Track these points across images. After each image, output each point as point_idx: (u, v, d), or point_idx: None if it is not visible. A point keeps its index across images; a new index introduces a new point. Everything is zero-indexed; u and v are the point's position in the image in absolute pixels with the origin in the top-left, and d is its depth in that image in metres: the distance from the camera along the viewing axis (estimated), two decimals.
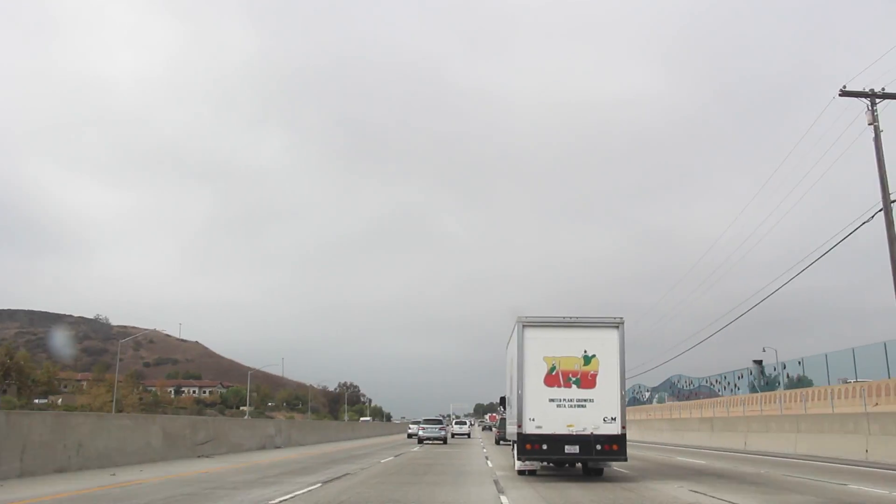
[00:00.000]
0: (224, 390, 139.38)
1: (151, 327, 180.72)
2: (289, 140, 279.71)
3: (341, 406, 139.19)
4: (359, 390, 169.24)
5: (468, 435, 58.33)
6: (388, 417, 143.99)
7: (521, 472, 15.73)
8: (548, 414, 14.39)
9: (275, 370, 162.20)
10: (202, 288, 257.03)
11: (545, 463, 15.73)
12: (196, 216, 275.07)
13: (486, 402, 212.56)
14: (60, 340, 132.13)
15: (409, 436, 46.25)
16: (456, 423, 63.08)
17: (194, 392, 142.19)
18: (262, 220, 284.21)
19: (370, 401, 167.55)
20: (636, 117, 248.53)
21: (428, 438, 38.78)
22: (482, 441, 46.14)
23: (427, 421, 42.20)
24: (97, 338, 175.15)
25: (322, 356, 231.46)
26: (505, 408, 22.57)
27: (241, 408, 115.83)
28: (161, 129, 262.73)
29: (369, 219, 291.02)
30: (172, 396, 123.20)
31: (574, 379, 14.61)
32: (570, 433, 14.24)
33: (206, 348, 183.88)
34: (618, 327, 15.02)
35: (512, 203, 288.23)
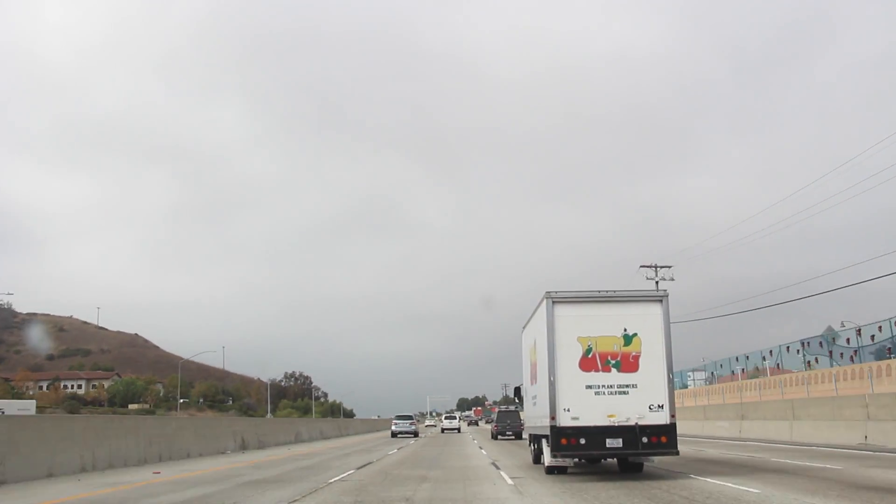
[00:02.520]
0: (112, 383, 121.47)
1: (68, 314, 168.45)
2: (248, 112, 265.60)
3: (280, 402, 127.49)
4: (310, 382, 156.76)
5: (458, 430, 63.03)
6: (350, 414, 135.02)
7: (550, 471, 15.09)
8: (585, 403, 13.66)
9: (215, 362, 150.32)
10: (162, 282, 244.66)
11: (578, 460, 15.15)
12: (153, 202, 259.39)
13: (470, 397, 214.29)
14: None
15: (394, 434, 49.17)
16: (446, 419, 69.14)
17: (73, 387, 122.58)
18: (224, 206, 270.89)
19: (325, 395, 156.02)
20: (631, 81, 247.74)
21: (400, 432, 47.48)
22: (474, 438, 45.90)
23: (399, 417, 51.57)
24: None
25: (287, 353, 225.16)
26: (520, 400, 21.90)
27: (132, 405, 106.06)
28: (103, 103, 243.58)
29: (339, 202, 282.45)
30: (33, 392, 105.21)
31: (613, 362, 13.89)
32: (612, 424, 13.53)
33: (140, 338, 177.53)
34: (661, 301, 14.25)
35: (492, 182, 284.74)
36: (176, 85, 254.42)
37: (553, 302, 14.13)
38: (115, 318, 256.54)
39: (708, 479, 13.24)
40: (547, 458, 14.78)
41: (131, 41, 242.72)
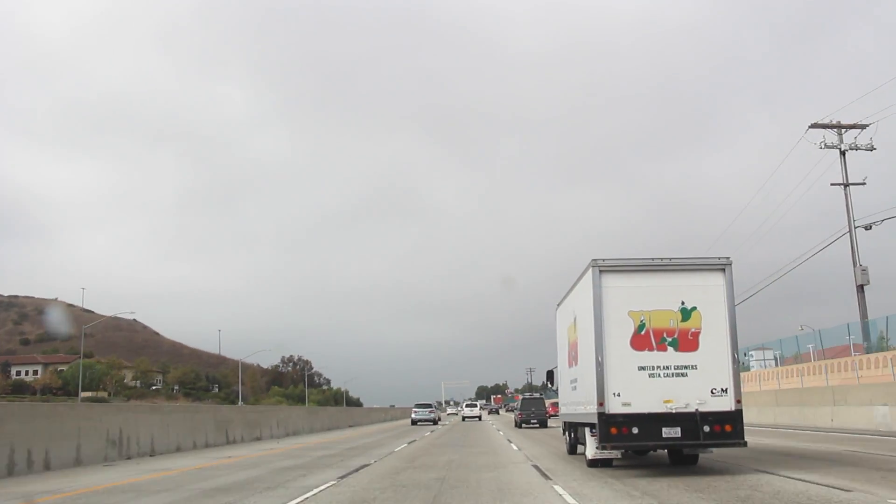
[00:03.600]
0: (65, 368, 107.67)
1: (53, 297, 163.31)
2: (255, 89, 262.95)
3: (271, 389, 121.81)
4: (310, 367, 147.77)
5: (479, 418, 63.49)
6: (356, 403, 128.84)
7: (593, 464, 13.84)
8: (638, 386, 12.33)
9: (211, 348, 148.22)
10: (169, 269, 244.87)
11: (625, 452, 13.91)
12: (160, 186, 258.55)
13: (490, 384, 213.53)
14: None
15: (413, 422, 51.26)
16: (466, 406, 68.99)
17: (28, 373, 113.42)
18: (233, 191, 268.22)
19: (327, 382, 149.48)
20: (658, 55, 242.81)
21: (420, 420, 50.67)
22: (495, 425, 44.97)
23: (418, 405, 54.92)
24: None
25: (299, 342, 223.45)
26: (552, 384, 20.65)
27: (85, 393, 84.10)
28: (103, 81, 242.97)
29: (352, 185, 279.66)
30: None
31: (670, 339, 12.52)
32: (669, 411, 12.16)
33: (138, 325, 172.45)
34: (724, 270, 12.79)
35: (510, 162, 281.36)
36: (179, 61, 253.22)
37: (600, 271, 12.75)
38: (122, 305, 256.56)
39: (781, 475, 11.90)
40: (590, 450, 13.51)
41: (129, 14, 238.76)
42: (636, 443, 12.26)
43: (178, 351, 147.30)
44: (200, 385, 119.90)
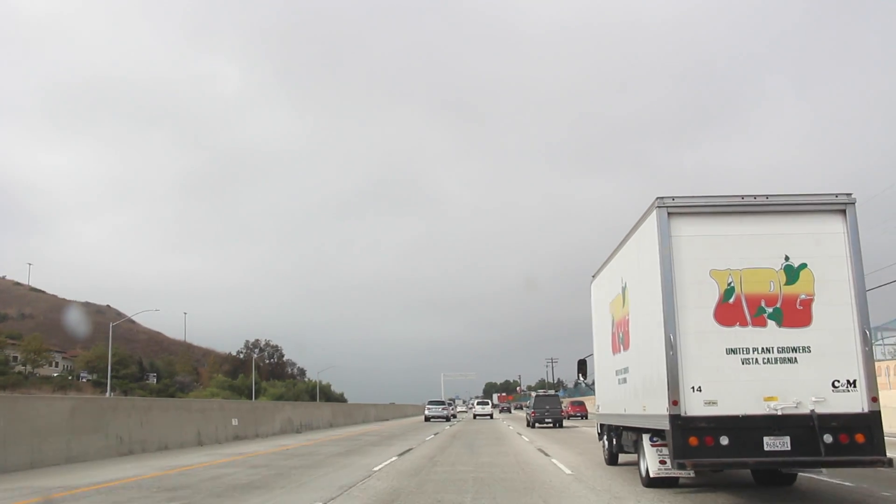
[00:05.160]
0: None
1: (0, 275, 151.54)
2: (247, 64, 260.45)
3: (212, 379, 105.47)
4: (280, 354, 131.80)
5: (490, 416, 63.80)
6: (337, 399, 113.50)
7: (652, 484, 10.52)
8: (727, 377, 9.00)
9: (176, 334, 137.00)
10: (161, 260, 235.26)
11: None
12: (154, 171, 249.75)
13: (499, 381, 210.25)
14: None
15: (427, 419, 52.92)
16: (478, 404, 69.36)
17: None
18: (228, 177, 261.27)
19: (301, 373, 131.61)
20: (679, 35, 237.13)
21: (433, 417, 52.37)
22: (510, 424, 42.41)
23: (432, 402, 57.20)
24: None
25: (293, 336, 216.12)
26: (585, 377, 17.28)
27: None
28: (88, 57, 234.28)
29: (353, 172, 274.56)
30: None
31: (770, 310, 9.17)
32: (773, 412, 8.83)
33: (111, 310, 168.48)
34: (844, 211, 9.50)
35: (521, 148, 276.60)
36: (168, 36, 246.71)
37: (669, 213, 9.37)
38: (108, 295, 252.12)
39: None
40: (650, 464, 10.14)
41: None
42: (727, 458, 8.81)
43: (134, 337, 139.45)
44: (126, 373, 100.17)
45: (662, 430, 9.39)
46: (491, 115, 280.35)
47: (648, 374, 9.93)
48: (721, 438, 8.70)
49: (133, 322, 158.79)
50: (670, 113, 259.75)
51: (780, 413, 8.68)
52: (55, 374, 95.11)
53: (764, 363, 8.90)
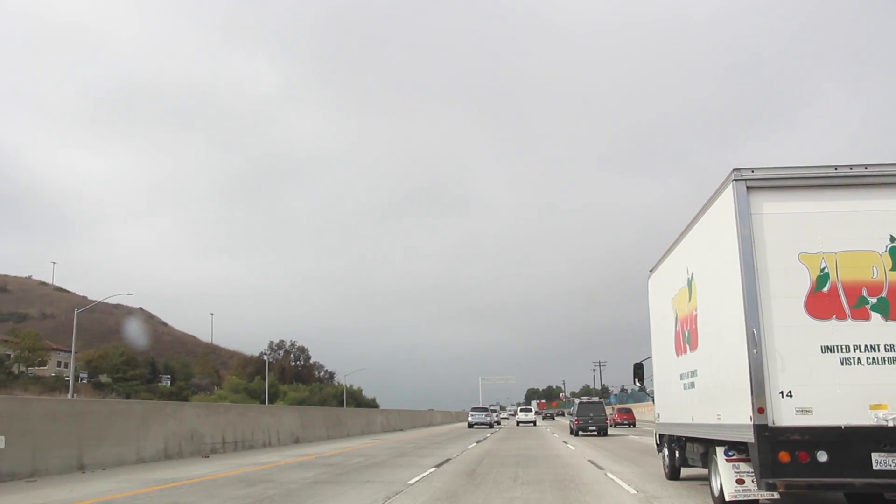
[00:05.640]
0: None
1: (26, 274, 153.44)
2: (285, 65, 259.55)
3: (225, 381, 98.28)
4: (308, 356, 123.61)
5: (534, 423, 63.08)
6: (369, 404, 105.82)
7: None
8: (823, 380, 7.65)
9: (204, 335, 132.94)
10: (203, 266, 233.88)
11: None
12: (192, 175, 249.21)
13: (543, 387, 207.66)
14: None
15: (470, 425, 53.22)
16: (521, 411, 69.00)
17: None
18: (266, 180, 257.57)
19: (330, 376, 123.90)
20: (726, 29, 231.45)
21: (476, 423, 52.70)
22: (554, 432, 41.06)
23: (475, 409, 58.08)
24: None
25: (330, 342, 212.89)
26: (641, 382, 15.89)
27: None
28: (119, 59, 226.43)
29: (393, 175, 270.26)
30: None
31: (874, 300, 7.76)
32: (883, 423, 7.49)
33: (144, 313, 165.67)
34: None
35: (563, 150, 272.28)
36: (205, 37, 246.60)
37: (748, 187, 8.08)
38: (144, 299, 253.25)
39: None
40: (728, 484, 8.74)
41: None
42: (827, 479, 7.46)
43: (180, 342, 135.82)
44: (135, 374, 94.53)
45: (742, 444, 8.10)
46: (533, 115, 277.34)
47: (723, 377, 8.63)
48: (818, 454, 7.36)
49: (165, 325, 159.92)
50: (715, 112, 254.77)
51: (890, 424, 7.31)
52: (51, 374, 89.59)
53: (868, 364, 7.53)
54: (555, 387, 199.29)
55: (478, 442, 28.84)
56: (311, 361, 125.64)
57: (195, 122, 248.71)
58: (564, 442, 28.64)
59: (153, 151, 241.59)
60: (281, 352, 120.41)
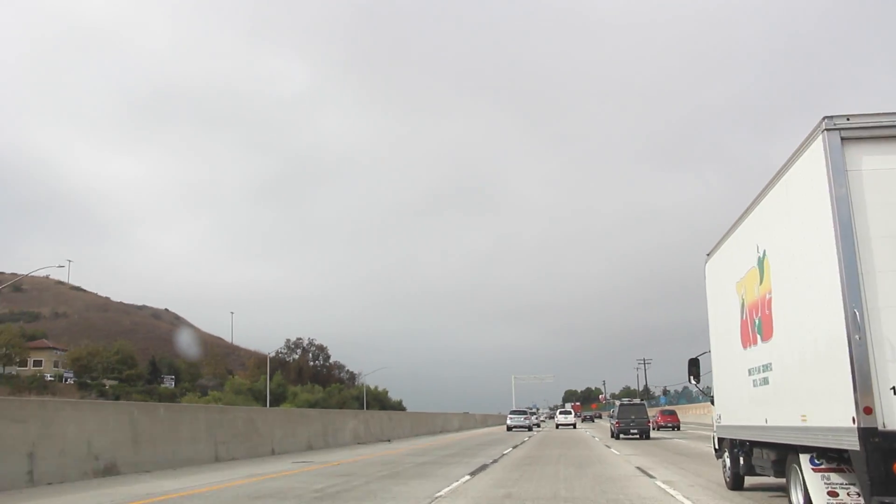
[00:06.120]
0: None
1: (44, 273, 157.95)
2: (315, 61, 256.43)
3: (227, 381, 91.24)
4: (327, 356, 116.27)
5: (573, 426, 61.94)
6: (395, 407, 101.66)
7: None
8: None
9: (240, 340, 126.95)
10: (231, 266, 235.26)
11: None
12: (225, 178, 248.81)
13: (580, 389, 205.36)
14: None
15: (509, 428, 52.84)
16: (560, 413, 68.41)
17: None
18: (299, 180, 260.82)
19: (351, 377, 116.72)
20: (771, 14, 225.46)
21: (516, 426, 52.22)
22: (594, 434, 39.74)
23: (514, 412, 57.93)
24: None
25: (357, 343, 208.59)
26: (697, 380, 14.43)
27: None
28: (153, 64, 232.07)
29: (424, 173, 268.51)
30: None
31: None
32: None
33: (170, 314, 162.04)
34: None
35: (601, 145, 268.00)
36: (232, 37, 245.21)
37: (843, 139, 6.72)
38: (178, 303, 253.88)
39: None
40: (817, 497, 7.28)
41: None
42: None
43: (207, 344, 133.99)
44: (132, 374, 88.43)
45: (835, 451, 6.74)
46: (568, 112, 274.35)
47: (811, 370, 7.25)
48: None
49: (192, 327, 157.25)
50: (756, 103, 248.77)
51: None
52: (28, 374, 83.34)
53: None
54: (594, 388, 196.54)
55: (514, 447, 27.52)
56: (332, 361, 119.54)
57: (226, 123, 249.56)
58: (608, 446, 27.18)
59: (185, 154, 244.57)
60: (298, 351, 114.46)
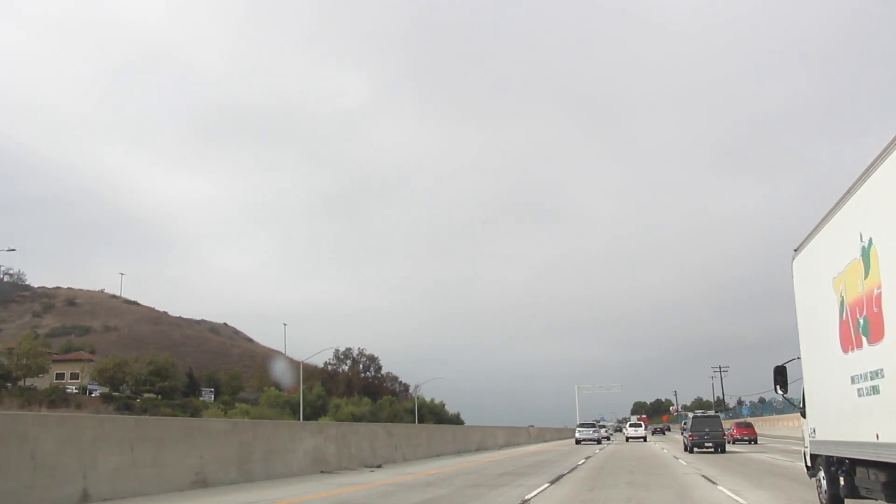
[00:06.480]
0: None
1: (98, 288, 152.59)
2: (372, 73, 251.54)
3: (263, 393, 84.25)
4: (378, 367, 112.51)
5: (644, 438, 61.24)
6: (452, 420, 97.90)
7: None
8: None
9: (298, 353, 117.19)
10: (305, 283, 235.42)
11: None
12: (287, 194, 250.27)
13: (649, 401, 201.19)
14: None
15: (578, 441, 52.95)
16: (630, 426, 67.62)
17: None
18: (359, 193, 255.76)
19: (404, 388, 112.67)
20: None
21: (584, 439, 52.30)
22: (663, 447, 38.04)
23: (582, 425, 58.52)
24: None
25: (417, 359, 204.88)
26: (784, 389, 13.12)
27: None
28: (208, 77, 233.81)
29: (483, 183, 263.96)
30: None
31: None
32: None
33: (228, 328, 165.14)
34: None
35: (666, 151, 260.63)
36: (289, 51, 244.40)
37: None
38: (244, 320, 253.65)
39: None
40: None
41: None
42: None
43: (249, 355, 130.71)
44: (165, 386, 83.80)
45: None
46: (630, 118, 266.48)
47: None
48: None
49: (251, 341, 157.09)
50: (825, 103, 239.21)
51: None
52: (46, 386, 78.81)
53: None
54: (663, 399, 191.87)
55: (586, 458, 26.36)
56: (384, 373, 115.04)
57: (288, 139, 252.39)
58: (688, 465, 25.69)
59: (249, 170, 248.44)
60: (348, 361, 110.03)
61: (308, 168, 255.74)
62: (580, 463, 23.72)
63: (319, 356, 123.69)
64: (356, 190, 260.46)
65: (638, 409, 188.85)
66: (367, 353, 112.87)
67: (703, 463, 24.62)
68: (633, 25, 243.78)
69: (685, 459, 27.88)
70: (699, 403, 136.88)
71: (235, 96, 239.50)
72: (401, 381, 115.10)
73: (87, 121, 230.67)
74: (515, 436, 56.22)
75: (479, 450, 38.79)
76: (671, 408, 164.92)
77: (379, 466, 23.14)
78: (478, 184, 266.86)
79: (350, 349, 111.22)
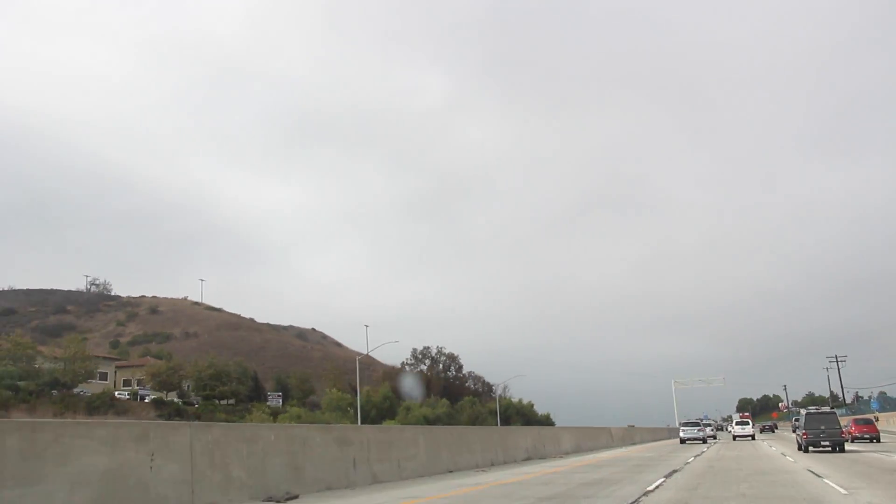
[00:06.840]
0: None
1: (183, 296, 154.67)
2: (450, 75, 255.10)
3: (324, 397, 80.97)
4: (459, 366, 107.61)
5: (752, 437, 60.38)
6: (544, 421, 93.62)
7: None
8: None
9: (389, 358, 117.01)
10: (396, 287, 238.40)
11: None
12: (373, 198, 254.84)
13: (756, 397, 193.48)
14: None
15: (682, 441, 53.08)
16: (737, 424, 66.43)
17: None
18: (445, 193, 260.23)
19: (488, 388, 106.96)
20: None
21: (689, 438, 52.73)
22: (772, 445, 35.83)
23: (685, 424, 57.80)
24: (79, 310, 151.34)
25: (506, 360, 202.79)
26: None
27: None
28: (287, 83, 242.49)
29: (570, 177, 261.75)
30: None
31: None
32: None
33: (316, 333, 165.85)
34: None
35: (757, 134, 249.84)
36: (368, 53, 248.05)
37: None
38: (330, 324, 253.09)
39: None
40: None
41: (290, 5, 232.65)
42: None
43: (329, 357, 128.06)
44: (226, 390, 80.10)
45: None
46: (718, 101, 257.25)
47: None
48: None
49: (339, 345, 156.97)
50: None
51: None
52: (90, 392, 75.56)
53: None
54: (771, 395, 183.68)
55: (687, 463, 24.73)
56: (465, 372, 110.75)
57: (371, 142, 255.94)
58: (809, 470, 23.69)
59: (334, 176, 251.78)
60: (426, 361, 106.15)
61: (393, 170, 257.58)
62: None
63: (397, 356, 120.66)
64: (442, 190, 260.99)
65: (743, 406, 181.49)
66: (447, 351, 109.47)
67: (825, 466, 22.55)
68: (712, 4, 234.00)
69: (792, 456, 25.80)
70: (811, 399, 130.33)
71: (318, 101, 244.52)
72: (485, 381, 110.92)
73: (178, 136, 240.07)
74: (591, 438, 46.26)
75: (528, 459, 30.50)
76: (780, 404, 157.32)
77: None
78: (564, 179, 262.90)
79: (428, 348, 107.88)
